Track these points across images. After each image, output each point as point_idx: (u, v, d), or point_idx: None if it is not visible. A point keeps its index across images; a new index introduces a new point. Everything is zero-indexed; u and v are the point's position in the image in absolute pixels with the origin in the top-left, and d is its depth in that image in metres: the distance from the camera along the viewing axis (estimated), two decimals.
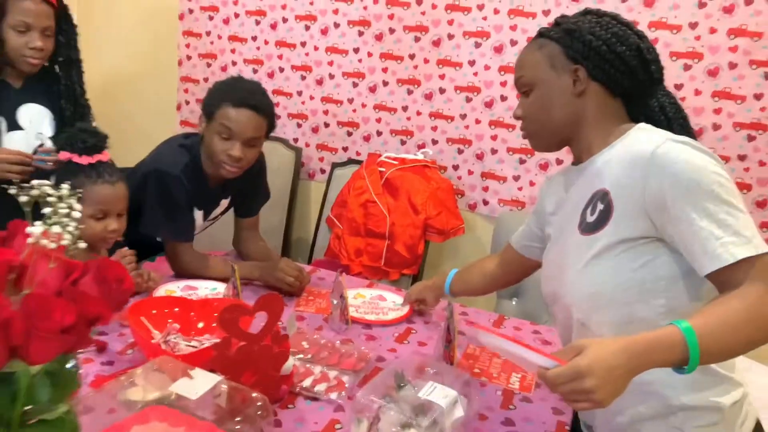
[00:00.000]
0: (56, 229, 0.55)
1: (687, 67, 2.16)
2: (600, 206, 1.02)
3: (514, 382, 1.34)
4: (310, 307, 1.65)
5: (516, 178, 2.48)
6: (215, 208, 1.87)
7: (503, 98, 2.43)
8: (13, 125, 1.72)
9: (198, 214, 1.77)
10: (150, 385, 1.06)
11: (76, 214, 0.58)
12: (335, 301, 1.53)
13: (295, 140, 2.80)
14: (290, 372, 1.16)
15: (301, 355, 1.32)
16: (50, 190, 0.60)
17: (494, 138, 2.48)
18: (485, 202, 2.55)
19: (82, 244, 0.58)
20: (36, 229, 0.54)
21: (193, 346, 1.29)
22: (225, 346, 1.01)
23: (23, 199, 0.58)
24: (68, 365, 0.67)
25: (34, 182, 0.60)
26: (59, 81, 1.82)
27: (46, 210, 0.57)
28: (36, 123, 1.77)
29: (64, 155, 1.44)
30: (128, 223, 1.52)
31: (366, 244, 2.37)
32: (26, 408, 0.56)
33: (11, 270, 0.56)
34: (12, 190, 0.59)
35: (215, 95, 1.65)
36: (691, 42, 2.14)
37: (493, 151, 2.49)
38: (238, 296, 1.52)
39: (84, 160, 1.43)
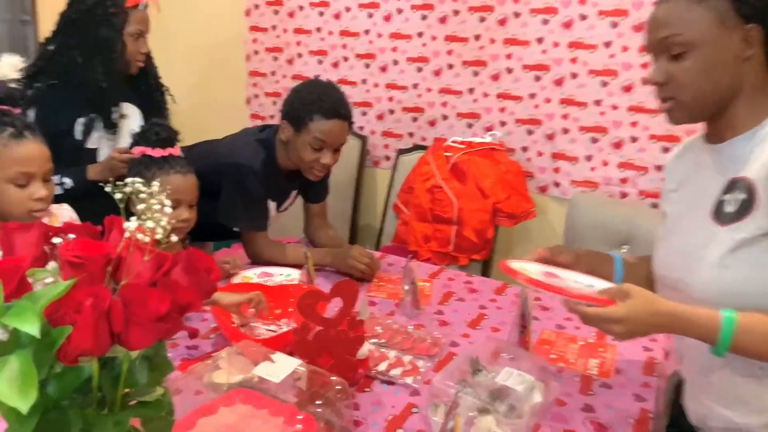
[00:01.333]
0: (150, 224, 0.59)
1: None
2: (741, 195, 0.93)
3: (592, 368, 1.31)
4: (381, 292, 1.67)
5: (588, 158, 2.40)
6: (286, 200, 1.93)
7: (574, 76, 2.36)
8: (109, 124, 1.83)
9: (271, 206, 1.83)
10: (233, 369, 1.11)
11: (167, 210, 0.61)
12: (406, 287, 1.55)
13: (360, 128, 2.82)
14: (366, 356, 1.18)
15: (375, 340, 1.34)
16: (142, 187, 0.63)
17: (565, 117, 2.40)
18: (556, 184, 2.49)
19: (174, 237, 0.61)
20: (131, 224, 0.58)
21: (272, 331, 1.34)
22: (303, 331, 1.04)
23: (118, 196, 0.62)
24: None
25: (128, 180, 0.63)
26: (143, 79, 1.92)
27: (140, 206, 0.60)
28: (129, 121, 1.88)
29: (138, 149, 1.52)
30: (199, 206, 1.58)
31: (434, 229, 2.37)
32: (127, 390, 0.61)
33: (109, 262, 0.60)
34: (108, 188, 0.63)
35: (304, 106, 1.68)
36: None
37: (564, 131, 2.42)
38: (312, 282, 1.56)
39: (157, 152, 1.50)
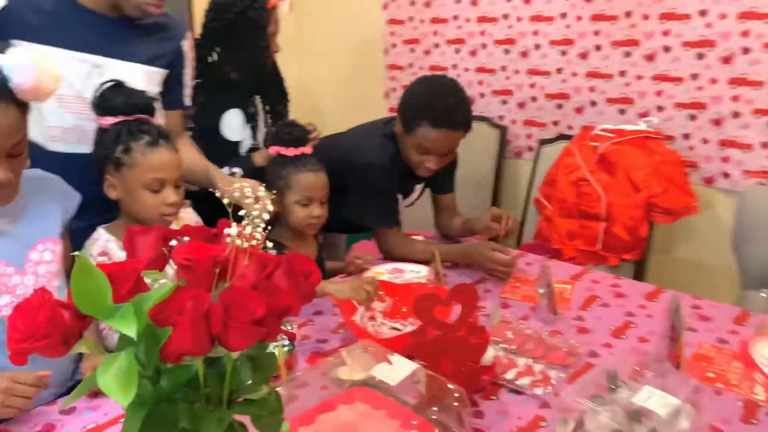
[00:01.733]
0: (248, 229, 0.60)
1: None
2: None
3: (758, 392, 1.14)
4: (516, 294, 1.60)
5: (765, 145, 2.10)
6: (412, 193, 1.92)
7: (745, 51, 2.07)
8: (248, 117, 1.96)
9: (399, 199, 1.84)
10: (357, 366, 1.13)
11: (266, 216, 0.62)
12: (542, 290, 1.47)
13: (500, 118, 2.73)
14: (491, 363, 1.13)
15: (504, 345, 1.29)
16: (249, 192, 0.65)
17: (735, 99, 2.12)
18: (725, 175, 2.21)
19: (269, 244, 0.63)
20: (232, 230, 0.60)
21: (396, 329, 1.34)
22: (421, 334, 1.02)
23: (225, 201, 0.64)
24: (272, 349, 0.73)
25: (236, 185, 0.66)
26: (271, 75, 2.03)
27: (242, 212, 0.62)
28: (262, 114, 2.01)
29: (273, 149, 1.60)
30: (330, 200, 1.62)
31: (580, 226, 2.22)
32: (233, 389, 0.63)
33: (216, 265, 0.63)
34: (217, 193, 0.66)
35: (414, 109, 1.66)
36: None
37: (735, 115, 2.14)
38: (439, 281, 1.54)
39: (290, 152, 1.57)
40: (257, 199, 0.65)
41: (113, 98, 1.30)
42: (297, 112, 2.26)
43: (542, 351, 1.28)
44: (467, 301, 1.01)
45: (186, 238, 0.67)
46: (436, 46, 2.85)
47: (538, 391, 1.15)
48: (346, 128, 2.01)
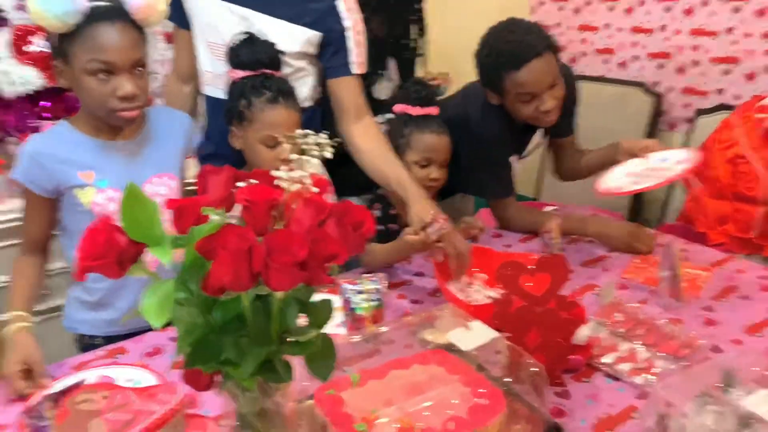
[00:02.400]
0: (297, 174, 0.62)
1: None
2: None
3: None
4: (638, 275, 1.48)
5: None
6: (527, 145, 1.82)
7: None
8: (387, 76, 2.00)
9: (513, 158, 1.75)
10: (444, 329, 1.13)
11: (315, 161, 0.63)
12: (664, 273, 1.34)
13: (655, 84, 2.49)
14: (585, 342, 1.07)
15: (610, 327, 1.20)
16: (310, 139, 0.67)
17: None
18: None
19: (314, 189, 0.64)
20: (281, 173, 0.62)
21: (492, 297, 1.31)
22: (505, 303, 0.99)
23: (286, 146, 0.66)
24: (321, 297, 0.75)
25: (298, 131, 0.68)
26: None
27: (294, 156, 0.63)
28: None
29: (398, 107, 1.59)
30: None
31: (733, 209, 1.97)
32: (281, 329, 0.66)
33: (273, 207, 0.65)
34: (281, 138, 0.68)
35: (488, 68, 1.56)
36: None
37: None
38: (552, 253, 1.47)
39: (416, 110, 1.56)
40: (318, 145, 0.66)
41: (241, 52, 1.38)
42: (435, 71, 2.26)
43: (654, 338, 1.17)
44: (556, 273, 0.95)
45: (254, 181, 0.70)
46: (587, 3, 2.65)
47: (638, 379, 1.06)
48: None
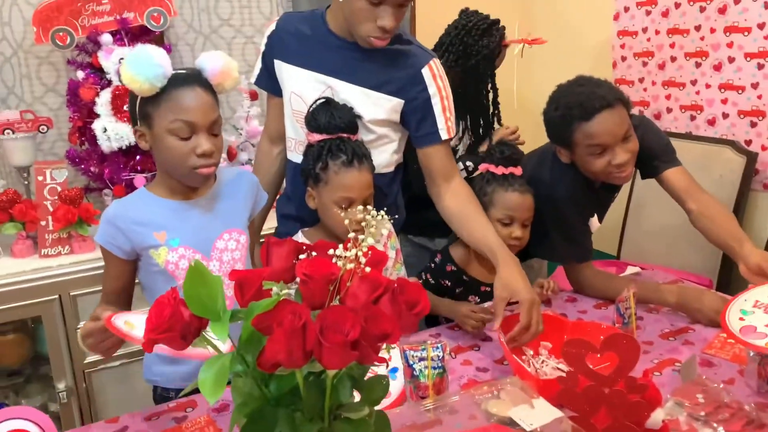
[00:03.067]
0: (351, 252, 0.64)
1: None
2: None
3: None
4: (725, 351, 1.39)
5: None
6: (609, 205, 1.77)
7: None
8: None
9: (593, 221, 1.70)
10: (509, 402, 1.10)
11: (370, 241, 0.65)
12: (752, 353, 1.25)
13: (748, 143, 2.37)
14: (659, 426, 1.00)
15: (688, 409, 1.13)
16: (370, 216, 0.69)
17: None
18: None
19: (368, 269, 0.65)
20: (339, 251, 0.64)
21: (560, 369, 1.26)
22: (571, 381, 0.95)
23: (359, 208, 0.68)
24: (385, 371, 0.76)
25: (359, 207, 0.70)
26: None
27: (360, 237, 0.66)
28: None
29: (483, 166, 1.63)
30: None
31: None
32: (334, 404, 0.67)
33: (331, 282, 0.68)
34: (342, 214, 0.70)
35: (558, 123, 1.55)
36: None
37: None
38: (627, 325, 1.40)
39: (499, 170, 1.58)
40: (375, 225, 0.68)
41: (318, 116, 1.44)
42: (517, 125, 2.26)
43: (739, 425, 1.09)
44: (625, 353, 0.91)
45: (314, 253, 0.73)
46: (673, 59, 2.59)
47: None
48: None
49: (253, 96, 2.49)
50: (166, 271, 1.27)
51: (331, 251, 0.66)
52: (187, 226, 1.29)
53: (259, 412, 0.65)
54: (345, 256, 0.64)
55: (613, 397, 0.93)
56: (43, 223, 2.00)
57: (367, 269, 0.65)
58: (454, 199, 1.51)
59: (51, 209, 2.01)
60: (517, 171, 1.58)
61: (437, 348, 1.18)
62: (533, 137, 1.79)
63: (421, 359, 1.17)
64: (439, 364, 1.17)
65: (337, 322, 0.61)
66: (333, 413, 0.68)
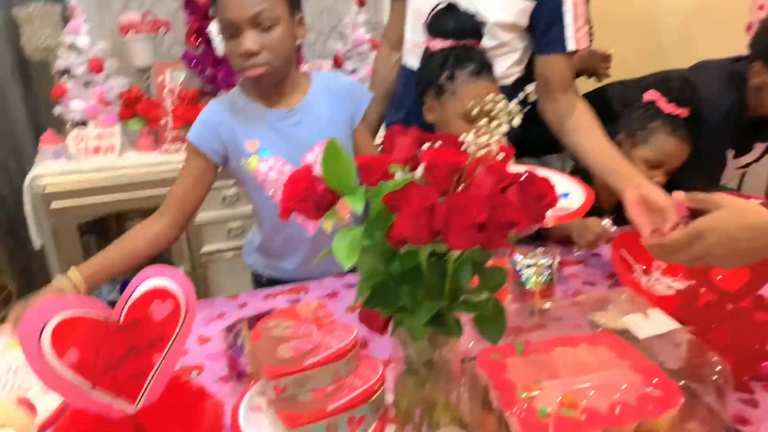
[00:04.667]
0: (483, 138, 0.64)
1: None
2: None
3: None
4: None
5: None
6: (747, 153, 1.63)
7: None
8: None
9: (729, 155, 1.59)
10: (617, 314, 1.09)
11: (504, 129, 0.64)
12: None
13: None
14: None
15: None
16: (501, 105, 0.68)
17: None
18: None
19: (501, 155, 0.65)
20: (469, 137, 0.64)
21: (673, 287, 1.23)
22: (692, 295, 0.93)
23: (484, 121, 0.68)
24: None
25: (489, 96, 0.70)
26: None
27: (483, 120, 0.66)
28: None
29: (651, 94, 1.49)
30: None
31: None
32: (454, 286, 0.70)
33: (456, 171, 0.69)
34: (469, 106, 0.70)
35: None
36: None
37: None
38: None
39: (670, 107, 1.45)
40: (509, 113, 0.68)
41: (442, 21, 1.34)
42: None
43: None
44: (757, 269, 0.87)
45: (438, 143, 0.74)
46: None
47: None
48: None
49: (361, 3, 2.46)
50: (255, 180, 1.30)
51: (462, 136, 0.66)
52: (278, 137, 1.27)
53: (382, 286, 0.69)
54: (475, 142, 0.65)
55: (737, 315, 0.90)
56: (163, 121, 2.14)
57: (501, 155, 0.65)
58: (570, 113, 1.41)
59: (170, 108, 2.13)
60: (684, 113, 1.44)
61: (546, 256, 1.18)
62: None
63: (529, 266, 1.18)
64: (548, 272, 1.18)
65: (465, 206, 0.63)
66: (453, 294, 0.71)
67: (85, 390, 0.82)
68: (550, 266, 1.18)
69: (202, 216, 2.14)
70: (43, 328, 0.78)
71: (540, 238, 1.49)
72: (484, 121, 0.66)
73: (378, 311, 0.75)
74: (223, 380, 1.04)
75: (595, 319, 1.09)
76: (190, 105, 2.12)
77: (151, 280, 0.87)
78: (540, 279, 1.17)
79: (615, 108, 1.65)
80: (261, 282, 1.48)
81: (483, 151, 0.64)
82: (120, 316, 0.84)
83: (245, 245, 1.53)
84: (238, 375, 0.99)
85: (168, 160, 2.11)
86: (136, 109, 2.12)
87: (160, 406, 0.90)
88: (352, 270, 1.39)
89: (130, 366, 0.86)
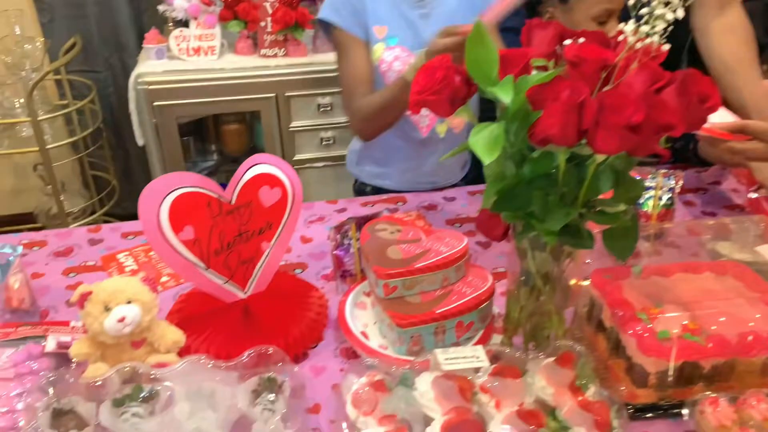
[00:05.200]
0: (644, 28, 0.57)
1: None
2: None
3: None
4: None
5: None
6: None
7: None
8: None
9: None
10: (743, 244, 1.03)
11: (670, 17, 0.57)
12: None
13: None
14: None
15: None
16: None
17: None
18: None
19: (666, 46, 0.58)
20: (628, 27, 0.58)
21: None
22: None
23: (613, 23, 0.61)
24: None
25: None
26: None
27: (644, 10, 0.59)
28: None
29: None
30: None
31: None
32: (590, 195, 0.65)
33: (604, 67, 0.63)
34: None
35: None
36: None
37: None
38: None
39: None
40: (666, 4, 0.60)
41: None
42: None
43: None
44: None
45: (582, 40, 0.67)
46: None
47: None
48: None
49: None
50: (378, 69, 1.26)
51: (621, 26, 0.59)
52: (406, 26, 1.24)
53: (511, 190, 0.65)
54: (633, 31, 0.58)
55: None
56: (262, 24, 2.12)
57: (664, 47, 0.58)
58: (726, 37, 1.22)
59: (270, 11, 2.10)
60: None
61: (670, 178, 1.10)
62: None
63: (648, 187, 1.10)
64: (668, 196, 1.10)
65: (620, 104, 0.57)
66: (587, 203, 0.67)
67: (200, 269, 0.85)
68: (671, 189, 1.10)
69: (296, 123, 2.15)
70: (162, 201, 0.80)
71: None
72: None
73: (499, 219, 0.72)
74: (325, 278, 1.06)
75: (718, 248, 1.02)
76: (290, 7, 2.08)
77: (259, 166, 0.88)
78: (659, 202, 1.10)
79: None
80: (362, 192, 1.48)
81: (643, 44, 0.57)
82: (232, 196, 0.85)
83: (349, 153, 1.52)
84: (342, 274, 1.00)
85: (266, 64, 2.10)
86: (237, 10, 2.11)
87: (268, 295, 0.93)
88: (452, 186, 1.38)
89: (241, 251, 0.88)
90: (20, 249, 0.94)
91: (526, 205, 0.65)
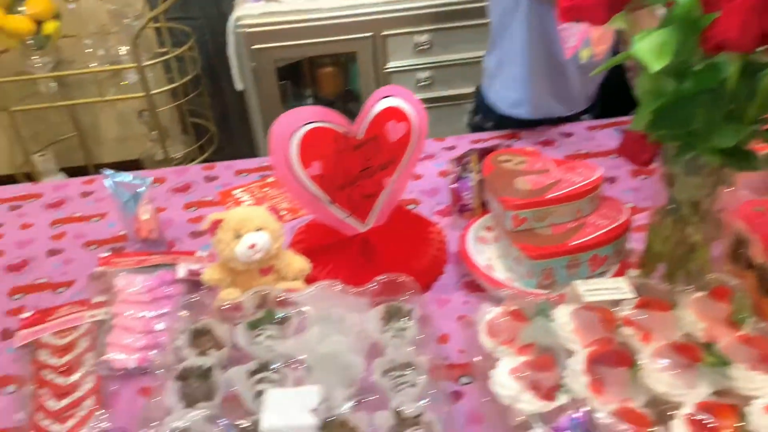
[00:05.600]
0: None
1: None
2: None
3: None
4: None
5: None
6: None
7: None
8: None
9: None
10: None
11: None
12: None
13: None
14: None
15: None
16: None
17: None
18: None
19: None
20: None
21: None
22: None
23: None
24: None
25: None
26: None
27: None
28: None
29: None
30: None
31: None
32: (763, 110, 0.59)
33: None
34: None
35: None
36: None
37: None
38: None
39: None
40: None
41: None
42: None
43: None
44: None
45: None
46: None
47: None
48: None
49: None
50: None
51: None
52: None
53: (670, 107, 0.60)
54: None
55: None
56: None
57: None
58: None
59: None
60: None
61: None
62: None
63: None
64: None
65: None
66: (757, 121, 0.60)
67: (324, 203, 0.85)
68: None
69: (392, 63, 2.11)
70: (291, 136, 0.80)
71: None
72: None
73: (646, 142, 0.67)
74: (439, 214, 1.04)
75: None
76: None
77: (388, 99, 0.85)
78: None
79: None
80: (478, 126, 1.41)
81: None
82: (359, 131, 0.84)
83: (484, 77, 1.41)
84: (460, 209, 0.98)
85: (362, 2, 2.06)
86: None
87: (387, 229, 0.93)
88: (569, 119, 1.29)
89: (364, 186, 0.87)
90: (149, 180, 0.98)
91: (687, 123, 0.60)
